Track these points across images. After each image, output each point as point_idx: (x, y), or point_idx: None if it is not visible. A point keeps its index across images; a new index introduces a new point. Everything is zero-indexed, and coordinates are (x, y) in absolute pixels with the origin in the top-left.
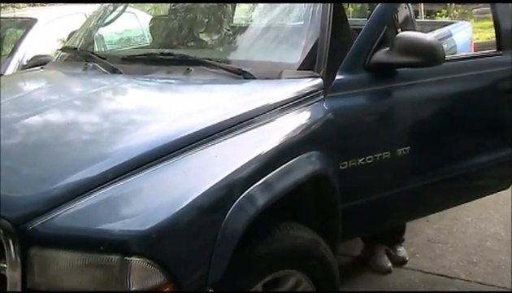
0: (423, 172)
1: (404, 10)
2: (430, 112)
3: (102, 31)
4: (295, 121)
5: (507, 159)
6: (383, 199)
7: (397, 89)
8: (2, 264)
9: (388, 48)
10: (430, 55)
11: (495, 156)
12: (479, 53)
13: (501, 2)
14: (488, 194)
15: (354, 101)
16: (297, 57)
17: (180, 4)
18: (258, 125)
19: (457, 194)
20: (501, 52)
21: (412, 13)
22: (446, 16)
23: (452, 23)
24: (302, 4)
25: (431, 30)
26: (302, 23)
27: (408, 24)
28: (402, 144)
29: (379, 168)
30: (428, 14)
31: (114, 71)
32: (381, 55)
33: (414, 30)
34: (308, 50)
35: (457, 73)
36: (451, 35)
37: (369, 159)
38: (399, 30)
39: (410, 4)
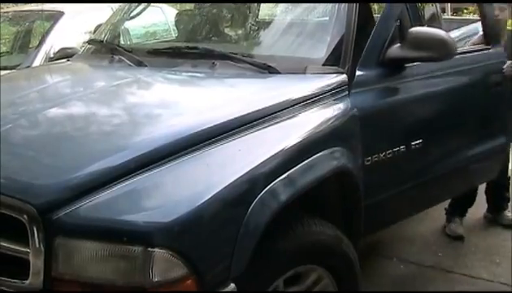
0: (432, 164)
1: (431, 8)
2: (433, 107)
3: (128, 24)
4: (319, 116)
5: (497, 149)
6: (401, 193)
7: (409, 84)
8: (26, 249)
9: (400, 43)
10: (441, 49)
11: (488, 147)
12: (473, 47)
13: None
14: (478, 184)
15: (375, 96)
16: (322, 52)
17: None
18: (282, 120)
19: (455, 185)
20: (489, 46)
21: (439, 10)
22: (474, 14)
23: (479, 20)
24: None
25: (458, 27)
26: (328, 18)
27: (434, 21)
28: (415, 137)
29: (397, 162)
30: (455, 11)
31: (139, 64)
32: (394, 50)
33: (440, 27)
34: (333, 46)
35: (458, 67)
36: (478, 32)
37: (389, 154)
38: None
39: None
